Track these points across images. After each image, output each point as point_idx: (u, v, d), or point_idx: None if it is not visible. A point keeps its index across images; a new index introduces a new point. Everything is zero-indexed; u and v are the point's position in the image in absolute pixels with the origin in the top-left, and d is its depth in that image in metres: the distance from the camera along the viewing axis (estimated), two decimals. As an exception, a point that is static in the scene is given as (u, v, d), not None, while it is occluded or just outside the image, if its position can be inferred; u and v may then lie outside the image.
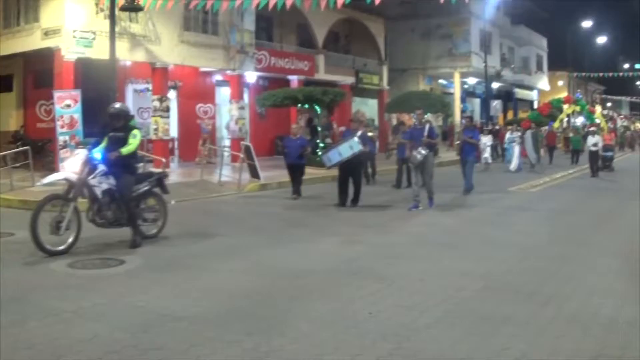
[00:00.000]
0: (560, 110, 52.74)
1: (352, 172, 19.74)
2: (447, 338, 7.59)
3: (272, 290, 9.71)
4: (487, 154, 36.23)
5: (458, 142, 23.90)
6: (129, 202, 13.14)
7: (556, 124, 51.35)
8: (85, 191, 12.76)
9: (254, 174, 24.68)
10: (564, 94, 62.45)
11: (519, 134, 36.54)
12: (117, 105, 14.46)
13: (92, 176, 12.62)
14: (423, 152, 18.71)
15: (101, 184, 12.74)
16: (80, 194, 12.77)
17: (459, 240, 14.26)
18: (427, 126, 19.46)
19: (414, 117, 21.54)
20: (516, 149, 35.12)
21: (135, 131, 13.63)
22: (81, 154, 13.22)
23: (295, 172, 22.01)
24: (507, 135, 37.20)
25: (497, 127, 48.81)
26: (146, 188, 13.85)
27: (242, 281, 10.31)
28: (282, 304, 8.96)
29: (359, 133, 19.51)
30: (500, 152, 41.77)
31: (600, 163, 33.38)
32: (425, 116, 21.30)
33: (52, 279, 10.32)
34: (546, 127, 47.58)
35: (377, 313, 8.54)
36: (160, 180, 14.42)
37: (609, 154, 35.33)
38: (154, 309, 8.63)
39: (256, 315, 8.45)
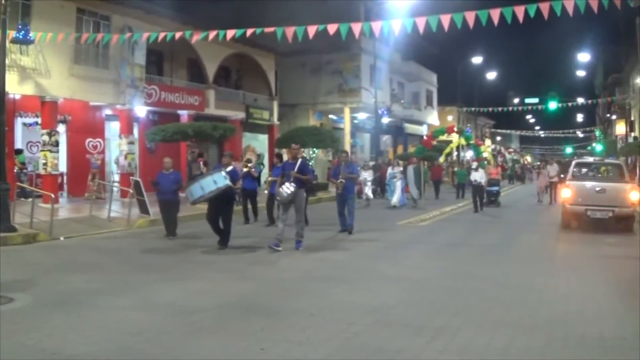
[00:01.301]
0: (447, 144, 53.67)
1: (221, 209, 18.40)
2: (339, 374, 7.78)
3: (162, 328, 9.76)
4: (368, 190, 36.01)
5: (341, 180, 22.29)
6: None
7: (442, 158, 52.16)
8: None
9: (144, 209, 24.57)
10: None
11: (400, 169, 35.92)
12: None
13: None
14: (292, 188, 17.95)
15: None
16: None
17: (349, 275, 14.50)
18: (299, 161, 18.79)
19: (342, 156, 23.12)
20: (398, 184, 34.63)
21: None
22: None
23: (169, 209, 20.90)
24: (389, 170, 36.58)
25: (379, 162, 48.46)
26: None
27: (133, 318, 10.34)
28: (173, 342, 9.04)
29: (229, 168, 18.70)
30: (380, 188, 41.85)
31: (485, 198, 33.26)
32: (313, 151, 21.40)
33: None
34: (433, 162, 47.84)
35: (268, 348, 8.69)
36: None
37: (495, 188, 34.99)
38: (44, 347, 8.63)
39: (147, 353, 8.53)
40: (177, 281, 13.61)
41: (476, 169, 33.50)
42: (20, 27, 22.41)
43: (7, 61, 21.49)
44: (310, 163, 32.41)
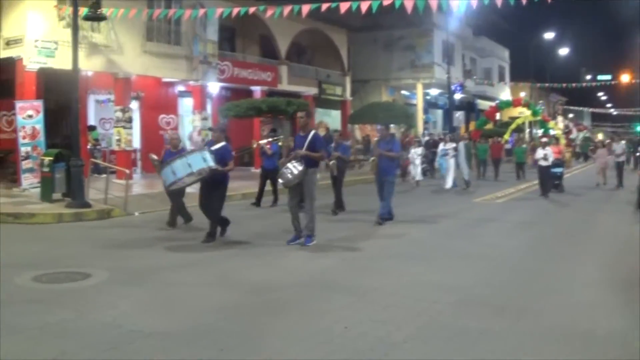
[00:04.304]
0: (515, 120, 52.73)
1: (212, 196, 15.25)
2: (425, 354, 7.48)
3: (241, 305, 9.54)
4: (417, 169, 32.83)
5: (373, 158, 18.94)
6: None
7: (507, 135, 50.93)
8: None
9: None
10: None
11: (453, 145, 32.11)
12: None
13: None
14: (299, 168, 14.51)
15: None
16: None
17: (427, 253, 14.16)
18: (310, 134, 15.03)
19: (378, 129, 20.54)
20: (451, 162, 31.30)
21: None
22: None
23: (177, 193, 17.12)
24: (440, 147, 33.27)
25: (435, 138, 44.13)
26: None
27: (210, 295, 10.15)
28: (253, 319, 8.80)
29: (219, 145, 15.29)
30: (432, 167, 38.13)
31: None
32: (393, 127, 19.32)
33: (16, 294, 10.05)
34: (498, 139, 45.65)
35: (351, 327, 8.39)
36: None
37: (558, 170, 30.03)
38: (122, 325, 8.43)
39: (227, 331, 8.29)
40: (254, 257, 13.37)
41: (543, 146, 28.68)
42: (92, 3, 22.23)
43: (79, 38, 21.39)
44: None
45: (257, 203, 22.56)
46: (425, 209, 22.59)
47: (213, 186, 15.07)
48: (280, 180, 15.48)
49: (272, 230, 16.95)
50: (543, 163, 27.51)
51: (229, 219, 15.87)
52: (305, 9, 20.05)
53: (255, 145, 22.33)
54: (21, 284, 10.74)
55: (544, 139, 31.08)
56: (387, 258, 13.47)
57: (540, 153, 27.96)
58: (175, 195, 17.12)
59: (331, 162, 20.37)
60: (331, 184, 21.53)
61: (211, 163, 14.38)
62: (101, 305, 9.39)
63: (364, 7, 19.02)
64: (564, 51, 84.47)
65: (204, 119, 34.97)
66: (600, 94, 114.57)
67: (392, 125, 22.60)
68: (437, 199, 26.15)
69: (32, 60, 25.64)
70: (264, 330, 8.33)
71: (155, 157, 16.43)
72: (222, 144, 15.47)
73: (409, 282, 11.04)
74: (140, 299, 9.89)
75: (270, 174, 21.95)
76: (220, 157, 14.88)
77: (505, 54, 79.62)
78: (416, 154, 33.04)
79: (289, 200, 15.39)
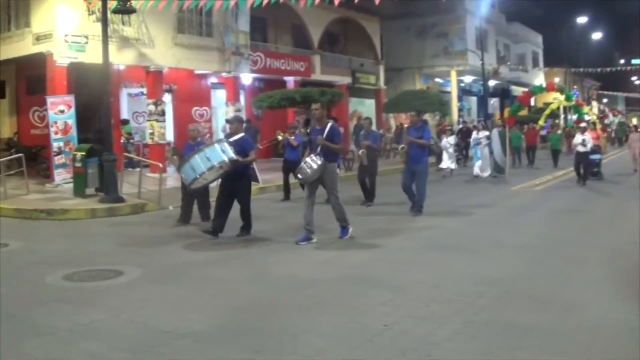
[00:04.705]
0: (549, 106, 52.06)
1: (237, 190, 14.49)
2: (470, 352, 7.18)
3: (278, 302, 9.25)
4: (450, 158, 31.42)
5: (403, 146, 18.30)
6: None
7: (541, 121, 50.18)
8: None
9: (253, 177, 24.19)
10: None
11: (486, 133, 30.81)
12: None
13: None
14: (318, 162, 13.66)
15: None
16: None
17: (467, 244, 13.76)
18: (328, 126, 14.09)
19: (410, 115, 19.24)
20: (485, 151, 29.97)
21: None
22: None
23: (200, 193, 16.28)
24: (473, 135, 31.97)
25: (468, 126, 42.55)
26: None
27: (247, 292, 9.86)
28: (291, 317, 8.51)
29: (237, 137, 14.46)
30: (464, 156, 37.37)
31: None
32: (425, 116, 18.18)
33: (47, 293, 9.86)
34: (533, 125, 43.33)
35: (392, 325, 8.08)
36: None
37: (596, 157, 28.13)
38: (155, 325, 8.17)
39: (264, 330, 8.00)
40: (287, 252, 13.06)
41: (582, 132, 27.51)
42: (121, -4, 22.09)
43: (109, 32, 21.26)
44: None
45: (287, 197, 22.05)
46: (460, 198, 22.23)
47: (235, 179, 14.29)
48: (299, 176, 14.39)
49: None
50: (581, 149, 26.30)
51: (252, 224, 14.92)
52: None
53: (280, 137, 21.70)
54: (52, 282, 10.55)
55: (582, 124, 30.15)
56: (425, 250, 13.12)
57: (578, 138, 26.81)
58: (200, 193, 16.18)
59: (360, 152, 19.96)
60: (357, 174, 20.93)
61: (231, 154, 13.67)
62: (133, 305, 9.14)
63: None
64: (597, 35, 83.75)
65: (238, 110, 34.67)
66: (634, 78, 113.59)
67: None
68: (472, 188, 25.60)
69: (62, 55, 25.51)
70: (300, 328, 8.03)
71: (172, 150, 16.09)
72: (241, 135, 14.68)
73: (450, 275, 10.70)
74: (174, 297, 9.64)
75: (293, 165, 20.10)
76: (240, 148, 14.13)
77: (539, 39, 79.17)
78: (449, 142, 31.73)
79: (306, 196, 14.22)
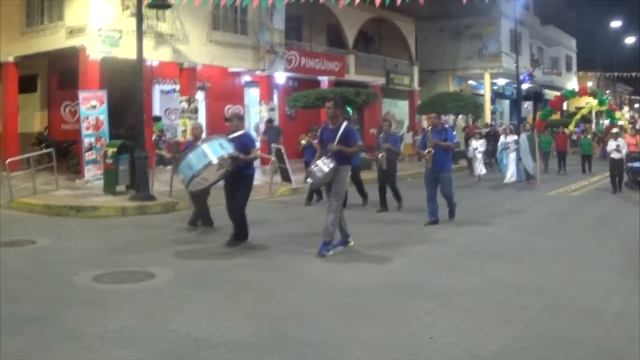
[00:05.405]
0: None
1: (235, 189, 13.57)
2: (522, 368, 6.78)
3: (317, 310, 8.85)
4: (479, 164, 30.09)
5: (429, 149, 16.59)
6: None
7: (572, 125, 49.53)
8: None
9: (286, 177, 23.94)
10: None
11: (514, 137, 29.66)
12: None
13: None
14: (330, 165, 12.56)
15: None
16: None
17: (508, 250, 13.37)
18: (342, 126, 12.91)
19: (432, 119, 17.80)
20: (512, 156, 28.86)
21: None
22: None
23: (200, 193, 14.80)
24: (501, 139, 30.79)
25: (496, 129, 41.31)
26: None
27: (284, 299, 9.47)
28: (331, 327, 8.10)
29: (238, 133, 13.55)
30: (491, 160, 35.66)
31: (627, 177, 25.89)
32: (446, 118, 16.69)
33: (75, 295, 9.53)
34: (563, 129, 41.49)
35: (437, 337, 7.71)
36: None
37: (639, 164, 25.74)
38: (188, 333, 7.80)
39: (303, 340, 7.61)
40: (324, 257, 12.49)
41: (615, 137, 25.62)
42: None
43: (143, 27, 21.05)
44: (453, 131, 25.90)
45: (309, 201, 21.00)
46: (494, 204, 21.63)
47: (236, 180, 13.38)
48: (309, 180, 13.24)
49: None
50: (616, 155, 24.75)
51: (248, 229, 13.84)
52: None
53: (304, 142, 20.83)
54: (81, 284, 10.21)
55: (615, 130, 28.47)
56: (464, 257, 12.69)
57: (612, 145, 25.16)
58: (200, 196, 15.26)
59: (380, 155, 19.12)
60: (377, 178, 20.00)
61: (230, 150, 12.65)
62: (165, 310, 8.77)
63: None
64: (630, 40, 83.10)
65: (271, 109, 34.58)
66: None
67: (445, 116, 19.41)
68: (504, 194, 24.77)
69: (95, 50, 25.41)
70: (341, 339, 7.64)
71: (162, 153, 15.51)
72: (242, 131, 13.77)
73: (493, 284, 10.28)
74: (207, 302, 9.23)
75: None
76: (241, 145, 13.13)
77: (572, 42, 78.82)
78: (476, 146, 30.32)
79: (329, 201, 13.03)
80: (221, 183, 13.76)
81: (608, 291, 9.98)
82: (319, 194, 20.78)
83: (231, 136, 13.34)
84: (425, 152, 16.53)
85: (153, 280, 10.47)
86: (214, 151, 12.42)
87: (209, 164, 12.36)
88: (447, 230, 15.74)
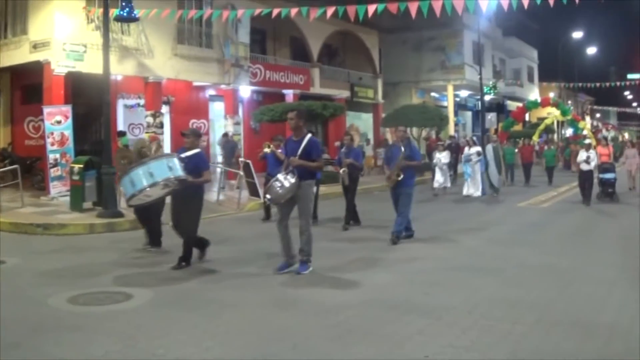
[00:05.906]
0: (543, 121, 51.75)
1: (183, 209, 12.83)
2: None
3: (307, 330, 8.59)
4: (442, 176, 29.36)
5: (398, 173, 15.78)
6: None
7: (535, 137, 49.71)
8: None
9: (254, 192, 23.66)
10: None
11: (478, 149, 28.92)
12: None
13: None
14: (291, 180, 11.91)
15: None
16: None
17: (491, 264, 13.23)
18: (305, 139, 12.24)
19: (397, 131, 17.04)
20: (476, 168, 28.23)
21: None
22: None
23: (149, 210, 14.42)
24: (465, 151, 29.87)
25: (457, 142, 41.48)
26: None
27: (272, 319, 9.19)
28: (322, 348, 7.88)
29: (192, 152, 12.71)
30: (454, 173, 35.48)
31: (599, 189, 26.05)
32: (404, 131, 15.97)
33: (52, 318, 9.14)
34: (528, 141, 40.97)
35: (433, 356, 7.53)
36: None
37: (610, 176, 25.97)
38: (176, 357, 7.51)
39: (295, 362, 7.32)
40: (303, 275, 12.13)
41: (587, 148, 25.19)
42: (124, 3, 21.50)
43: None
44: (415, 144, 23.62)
45: (267, 216, 20.24)
46: (466, 216, 21.52)
47: (185, 199, 12.65)
48: (267, 196, 12.62)
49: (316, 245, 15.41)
50: (585, 167, 24.55)
51: (208, 240, 13.55)
52: (351, 10, 19.02)
53: (267, 149, 20.26)
54: (56, 306, 9.83)
55: (587, 140, 28.48)
56: (447, 271, 12.50)
57: (582, 155, 24.75)
58: (143, 211, 14.59)
59: (342, 170, 18.64)
60: (343, 193, 19.41)
61: (179, 172, 11.97)
62: (149, 333, 8.43)
63: (413, 10, 17.93)
64: (591, 50, 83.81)
65: (236, 123, 34.39)
66: (626, 92, 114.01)
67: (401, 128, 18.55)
68: (472, 207, 24.51)
69: (60, 64, 25.01)
70: (334, 360, 7.38)
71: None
72: (196, 150, 12.88)
73: (483, 300, 10.13)
74: (192, 324, 8.88)
75: None
76: (194, 165, 12.48)
77: (534, 54, 79.43)
78: (442, 159, 29.50)
79: (278, 220, 12.51)
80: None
81: (598, 303, 9.94)
82: (268, 212, 20.22)
83: (184, 155, 12.60)
84: (395, 174, 15.80)
85: (132, 301, 10.11)
86: (160, 172, 11.83)
87: (153, 184, 11.80)
88: (424, 245, 15.57)
